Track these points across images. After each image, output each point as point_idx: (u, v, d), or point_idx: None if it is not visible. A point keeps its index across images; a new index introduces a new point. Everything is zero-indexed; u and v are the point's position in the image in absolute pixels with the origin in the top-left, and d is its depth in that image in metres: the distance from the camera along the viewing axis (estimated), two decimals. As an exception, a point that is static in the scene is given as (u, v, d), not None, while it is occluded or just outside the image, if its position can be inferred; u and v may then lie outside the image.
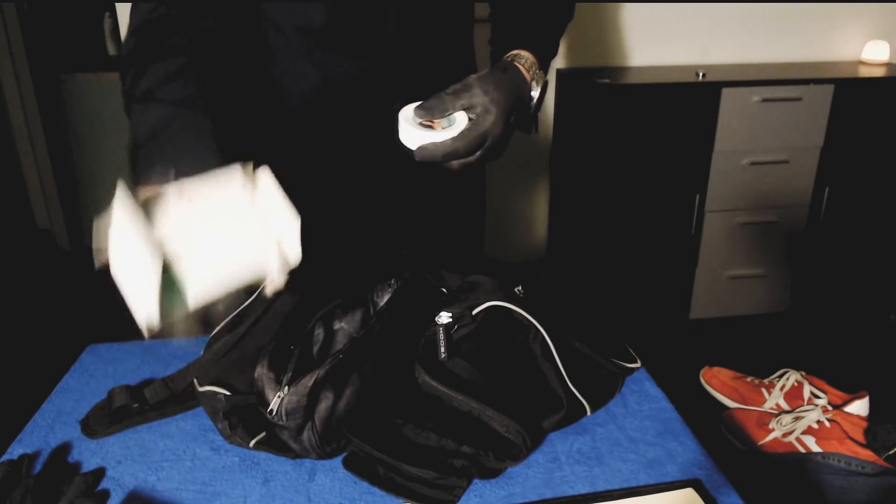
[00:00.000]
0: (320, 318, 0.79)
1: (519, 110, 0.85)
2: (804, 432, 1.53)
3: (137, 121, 0.74)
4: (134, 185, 0.69)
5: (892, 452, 1.45)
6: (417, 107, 0.81)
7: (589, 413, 0.84)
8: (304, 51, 0.92)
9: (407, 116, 0.81)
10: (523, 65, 0.87)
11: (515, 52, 0.89)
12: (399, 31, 0.92)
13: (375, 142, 0.96)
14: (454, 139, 0.79)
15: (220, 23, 0.83)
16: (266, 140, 1.01)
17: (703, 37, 2.71)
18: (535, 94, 0.88)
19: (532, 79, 0.88)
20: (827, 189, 2.55)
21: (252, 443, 0.76)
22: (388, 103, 0.87)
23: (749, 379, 1.80)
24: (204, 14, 0.82)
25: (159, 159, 0.70)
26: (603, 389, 0.86)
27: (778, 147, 2.48)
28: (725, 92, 2.37)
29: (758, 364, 1.92)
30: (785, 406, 1.67)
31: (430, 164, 0.80)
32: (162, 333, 0.54)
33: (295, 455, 0.76)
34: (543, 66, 0.92)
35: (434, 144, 0.79)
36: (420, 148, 0.79)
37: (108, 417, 0.82)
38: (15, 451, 0.79)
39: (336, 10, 0.88)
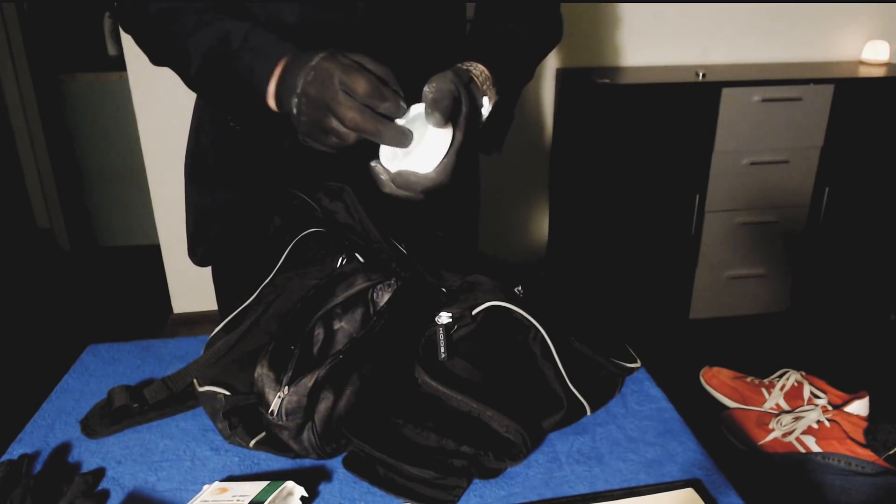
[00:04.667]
0: (320, 318, 0.79)
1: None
2: (804, 432, 1.53)
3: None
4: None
5: (892, 452, 1.45)
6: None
7: (589, 413, 0.84)
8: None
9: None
10: (474, 72, 0.82)
11: (469, 63, 0.84)
12: (366, 18, 0.91)
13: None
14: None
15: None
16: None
17: (703, 37, 2.71)
18: (485, 109, 0.81)
19: (483, 93, 0.81)
20: (827, 189, 2.55)
21: (252, 443, 0.76)
22: None
23: (749, 379, 1.80)
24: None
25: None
26: (603, 389, 0.86)
27: (778, 147, 2.48)
28: (725, 92, 2.37)
29: (758, 364, 1.92)
30: (785, 406, 1.67)
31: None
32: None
33: (295, 455, 0.76)
34: (501, 85, 0.85)
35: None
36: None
37: (108, 417, 0.82)
38: (15, 451, 0.79)
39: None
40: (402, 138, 0.72)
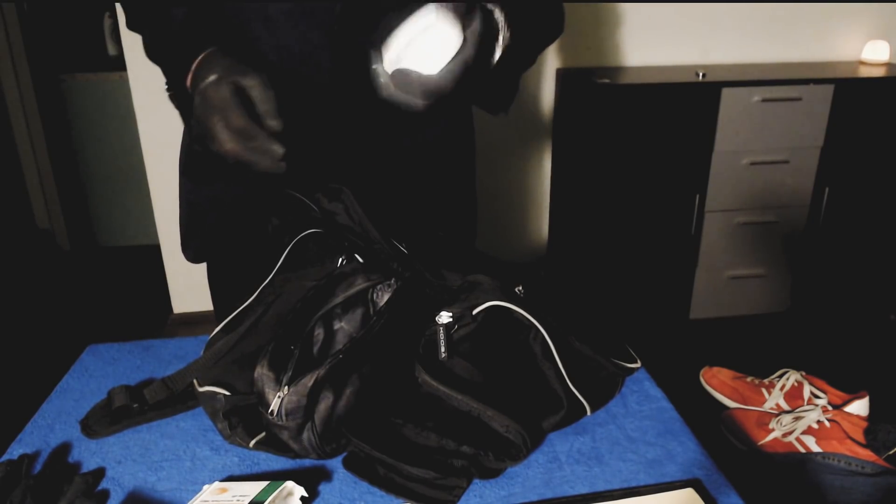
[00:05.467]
0: (320, 318, 0.79)
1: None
2: (804, 432, 1.53)
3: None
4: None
5: (892, 452, 1.45)
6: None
7: (589, 413, 0.84)
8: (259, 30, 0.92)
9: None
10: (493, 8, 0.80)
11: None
12: (346, 12, 0.90)
13: (338, 125, 0.94)
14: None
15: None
16: None
17: (703, 37, 2.71)
18: (500, 42, 0.77)
19: (500, 28, 0.79)
20: (827, 189, 2.56)
21: (252, 443, 0.76)
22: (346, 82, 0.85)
23: (749, 379, 1.80)
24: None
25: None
26: (603, 389, 0.86)
27: (778, 147, 2.48)
28: (725, 92, 2.37)
29: (758, 364, 1.92)
30: (785, 406, 1.67)
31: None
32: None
33: (295, 455, 0.76)
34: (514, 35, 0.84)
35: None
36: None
37: (108, 417, 0.82)
38: (15, 451, 0.79)
39: None
40: (278, 169, 0.74)
